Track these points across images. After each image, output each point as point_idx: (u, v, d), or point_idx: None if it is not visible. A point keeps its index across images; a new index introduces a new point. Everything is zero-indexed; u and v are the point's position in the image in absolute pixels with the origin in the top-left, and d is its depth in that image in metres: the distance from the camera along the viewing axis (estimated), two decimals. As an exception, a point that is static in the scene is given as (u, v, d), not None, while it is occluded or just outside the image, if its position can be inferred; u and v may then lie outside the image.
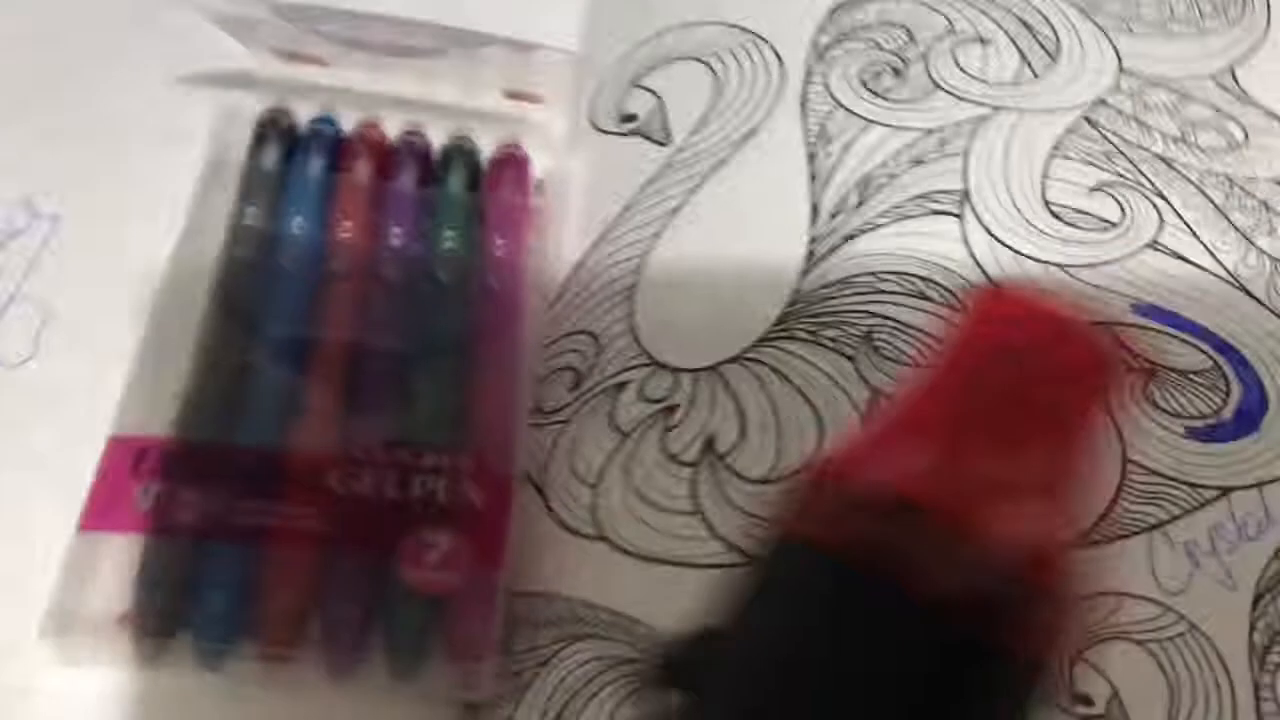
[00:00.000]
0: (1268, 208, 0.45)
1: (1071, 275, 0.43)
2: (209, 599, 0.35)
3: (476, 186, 0.45)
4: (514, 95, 0.46)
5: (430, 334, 0.40)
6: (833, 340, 0.42)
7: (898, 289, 0.43)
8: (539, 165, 0.46)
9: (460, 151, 0.45)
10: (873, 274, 0.44)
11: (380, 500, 0.36)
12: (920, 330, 0.42)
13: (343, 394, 0.39)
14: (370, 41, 0.45)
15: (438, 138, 0.46)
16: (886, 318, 0.42)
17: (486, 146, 0.46)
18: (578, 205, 0.46)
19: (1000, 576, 0.22)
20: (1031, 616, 0.22)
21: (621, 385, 0.41)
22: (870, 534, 0.22)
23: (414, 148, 0.45)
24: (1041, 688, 0.23)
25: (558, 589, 0.37)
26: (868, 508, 0.23)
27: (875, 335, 0.42)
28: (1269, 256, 0.44)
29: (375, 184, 0.43)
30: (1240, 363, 0.41)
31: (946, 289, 0.43)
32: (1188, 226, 0.45)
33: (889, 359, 0.41)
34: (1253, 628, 0.35)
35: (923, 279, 0.43)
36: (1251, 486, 0.38)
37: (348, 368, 0.39)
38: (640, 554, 0.38)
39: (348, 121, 0.46)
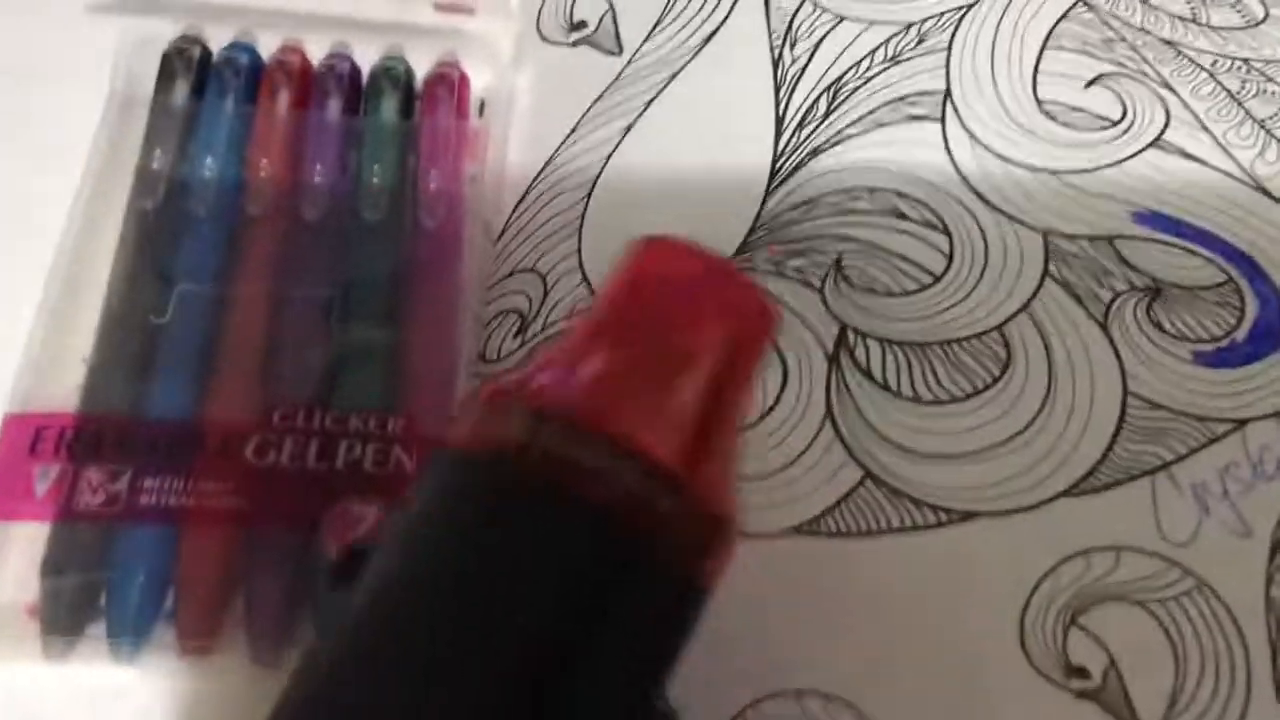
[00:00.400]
0: (1290, 92, 0.41)
1: (1065, 181, 0.39)
2: (121, 587, 0.32)
3: (411, 112, 0.40)
4: (447, 7, 0.42)
5: (357, 280, 0.36)
6: (798, 270, 0.38)
7: (871, 207, 0.39)
8: (480, 83, 0.42)
9: (389, 74, 0.41)
10: (844, 191, 0.39)
11: (302, 471, 0.33)
12: (897, 255, 0.38)
13: (262, 354, 0.35)
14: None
15: (369, 59, 0.41)
16: (859, 240, 0.38)
17: (423, 65, 0.42)
18: (523, 127, 0.42)
19: (651, 486, 0.23)
20: (685, 533, 0.23)
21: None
22: (525, 439, 0.23)
23: (338, 73, 0.40)
24: (697, 612, 0.24)
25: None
26: (527, 416, 0.24)
27: (845, 262, 0.38)
28: (1291, 148, 0.39)
29: (295, 116, 0.39)
30: (1256, 273, 0.37)
31: (926, 205, 0.39)
32: (1198, 120, 0.40)
33: (861, 289, 0.37)
34: (1270, 581, 0.32)
35: (899, 195, 0.39)
36: (1270, 416, 0.34)
37: (267, 323, 0.35)
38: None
39: (268, 45, 0.41)
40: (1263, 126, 0.40)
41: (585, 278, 0.38)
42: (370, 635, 0.23)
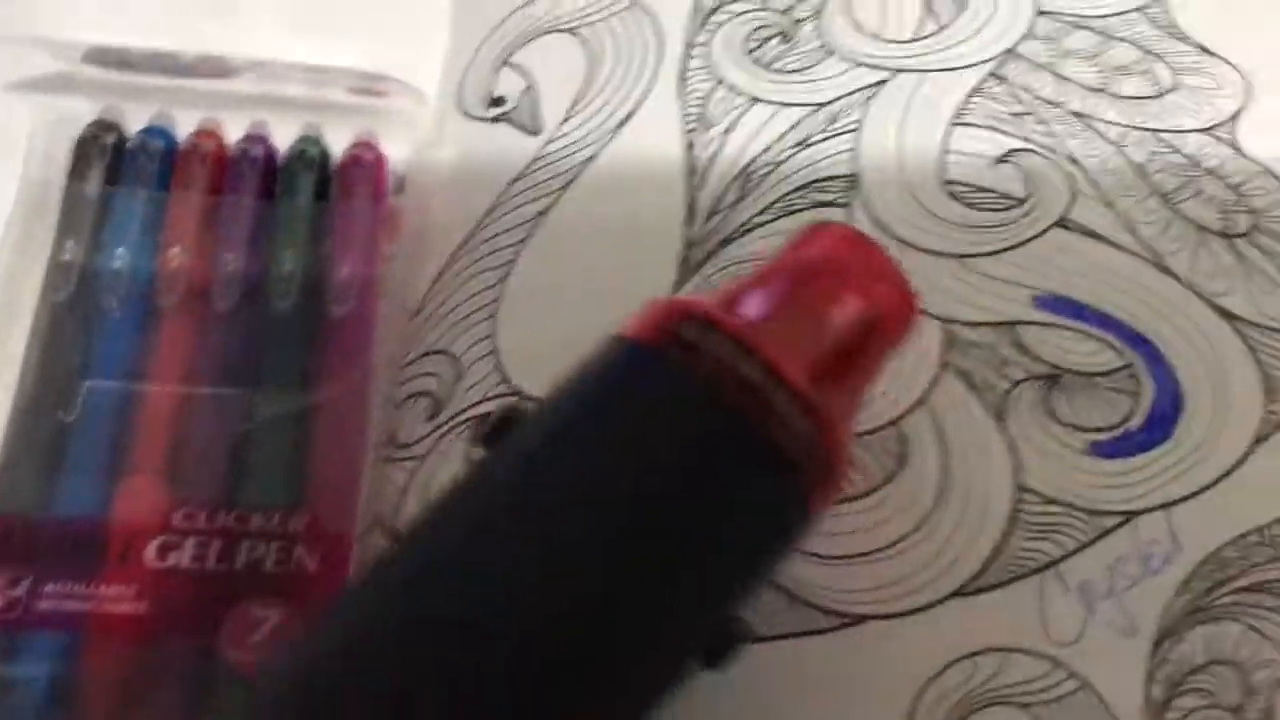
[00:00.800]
0: (1196, 164, 0.41)
1: (969, 266, 0.39)
2: (20, 696, 0.32)
3: (327, 194, 0.40)
4: (361, 91, 0.42)
5: (266, 372, 0.37)
6: None
7: (777, 300, 0.40)
8: (401, 157, 0.42)
9: (304, 157, 0.41)
10: None
11: (202, 573, 0.34)
12: None
13: (169, 451, 0.35)
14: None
15: (290, 138, 0.42)
16: None
17: (343, 142, 0.42)
18: (443, 205, 0.42)
19: (792, 410, 0.26)
20: (812, 461, 0.27)
21: (483, 418, 0.38)
22: (694, 340, 0.27)
23: (252, 157, 0.41)
24: (800, 537, 0.28)
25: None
26: (699, 323, 0.27)
27: None
28: (1194, 224, 0.40)
29: (209, 202, 0.39)
30: (1153, 357, 0.38)
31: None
32: (1102, 196, 0.41)
33: None
34: (1150, 679, 0.32)
35: (804, 286, 0.40)
36: (1158, 508, 0.35)
37: (175, 420, 0.36)
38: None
39: (187, 125, 0.41)
40: (1166, 201, 0.41)
41: (499, 363, 0.39)
42: (523, 485, 0.26)
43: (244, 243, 0.39)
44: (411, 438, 0.38)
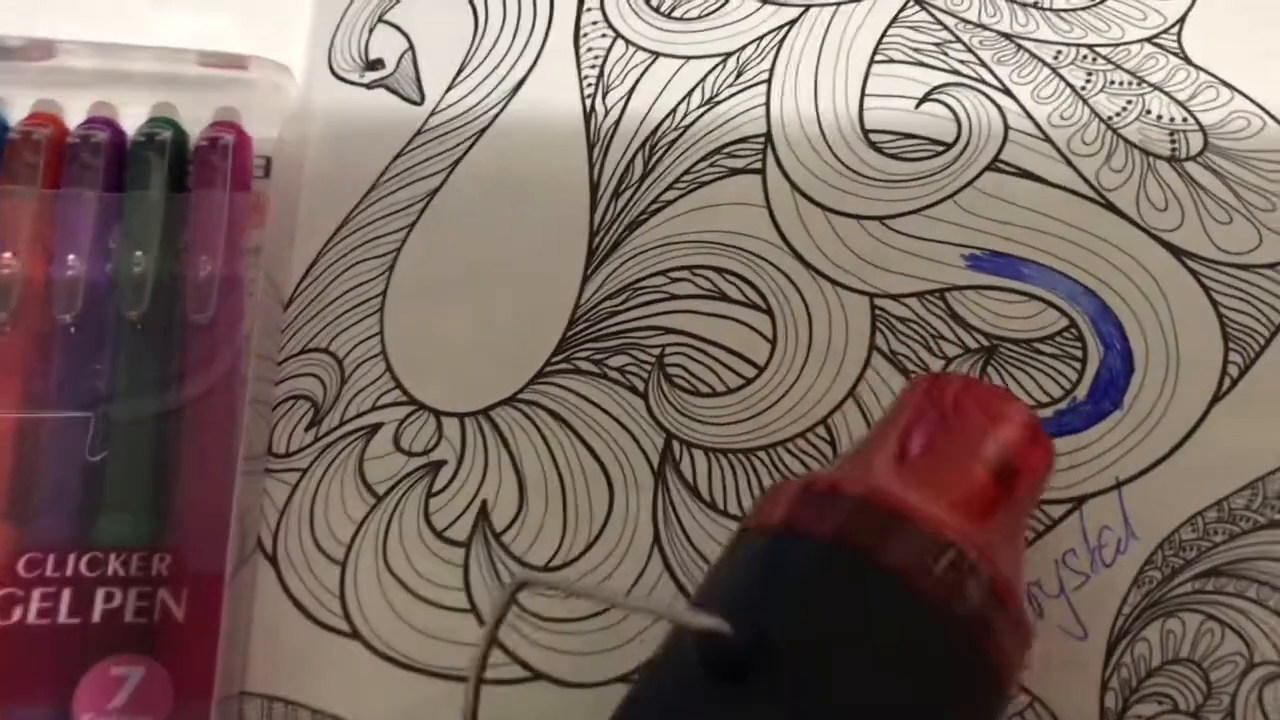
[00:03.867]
0: (1140, 79, 0.38)
1: (894, 229, 0.36)
2: None
3: (184, 183, 0.36)
4: (215, 63, 0.37)
5: (120, 391, 0.33)
6: (621, 372, 0.35)
7: (693, 290, 0.36)
8: (268, 134, 0.38)
9: (154, 142, 0.36)
10: (663, 272, 0.36)
11: (52, 629, 0.30)
12: (719, 346, 0.35)
13: (11, 487, 0.31)
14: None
15: (135, 122, 0.37)
16: (680, 332, 0.35)
17: (202, 122, 0.38)
18: (315, 184, 0.38)
19: (976, 586, 0.25)
20: (1000, 631, 0.25)
21: (373, 428, 0.34)
22: (867, 534, 0.25)
23: (94, 144, 0.36)
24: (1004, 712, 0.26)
25: (300, 697, 0.31)
26: (861, 511, 0.25)
27: (668, 360, 0.35)
28: (1140, 151, 0.37)
29: (45, 198, 0.35)
30: (1100, 313, 0.35)
31: (748, 282, 0.36)
32: (1038, 129, 0.37)
33: (685, 391, 0.34)
34: (1105, 686, 0.30)
35: (720, 272, 0.36)
36: (1109, 490, 0.32)
37: (17, 450, 0.32)
38: (404, 661, 0.31)
39: (22, 108, 0.37)
40: (1109, 126, 0.38)
41: (389, 365, 0.35)
42: None
43: (88, 243, 0.35)
44: (291, 447, 0.34)
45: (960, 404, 0.28)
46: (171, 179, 0.36)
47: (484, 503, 0.33)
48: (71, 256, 0.35)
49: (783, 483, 0.27)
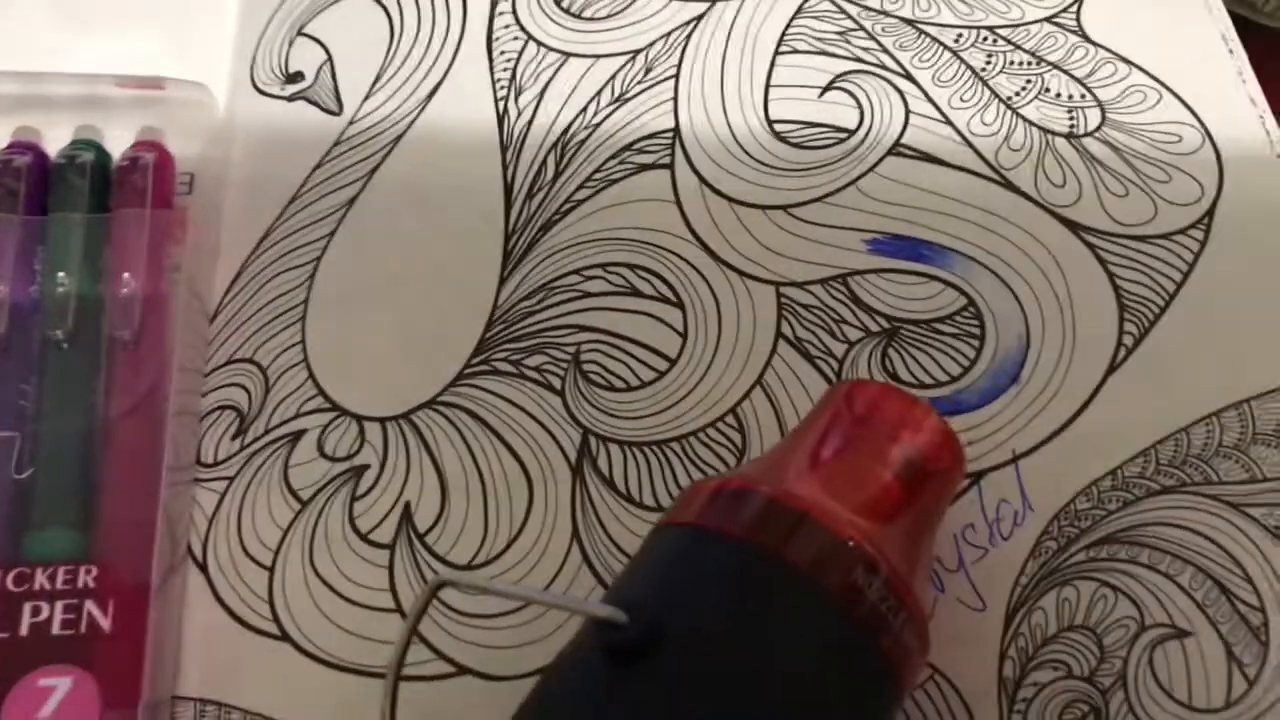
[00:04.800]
0: (1039, 59, 0.39)
1: (797, 217, 0.37)
2: None
3: (107, 203, 0.37)
4: (132, 84, 0.38)
5: (45, 411, 0.34)
6: (538, 371, 0.36)
7: (606, 287, 0.37)
8: (190, 152, 0.38)
9: (75, 163, 0.37)
10: (577, 271, 0.37)
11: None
12: (632, 341, 0.36)
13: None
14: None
15: (59, 145, 0.38)
16: (595, 330, 0.37)
17: (125, 141, 0.38)
18: (238, 196, 0.39)
19: (875, 585, 0.26)
20: (896, 630, 0.26)
21: (296, 435, 0.35)
22: (773, 533, 0.26)
23: (15, 168, 0.37)
24: (898, 707, 0.27)
25: (232, 700, 0.32)
26: (769, 511, 0.26)
27: (584, 357, 0.36)
28: (1038, 129, 0.38)
29: (-34, 222, 0.36)
30: (997, 290, 0.36)
31: (659, 277, 0.37)
32: (939, 112, 0.39)
33: (600, 388, 0.36)
34: (1003, 656, 0.32)
35: (632, 268, 0.37)
36: (1006, 464, 0.34)
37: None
38: (331, 661, 0.33)
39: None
40: (1008, 106, 0.39)
41: (311, 373, 0.36)
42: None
43: (12, 265, 0.35)
44: (218, 456, 0.35)
45: (873, 410, 0.29)
46: (95, 199, 0.37)
47: (407, 504, 0.34)
48: (-6, 278, 0.35)
49: (700, 482, 0.28)
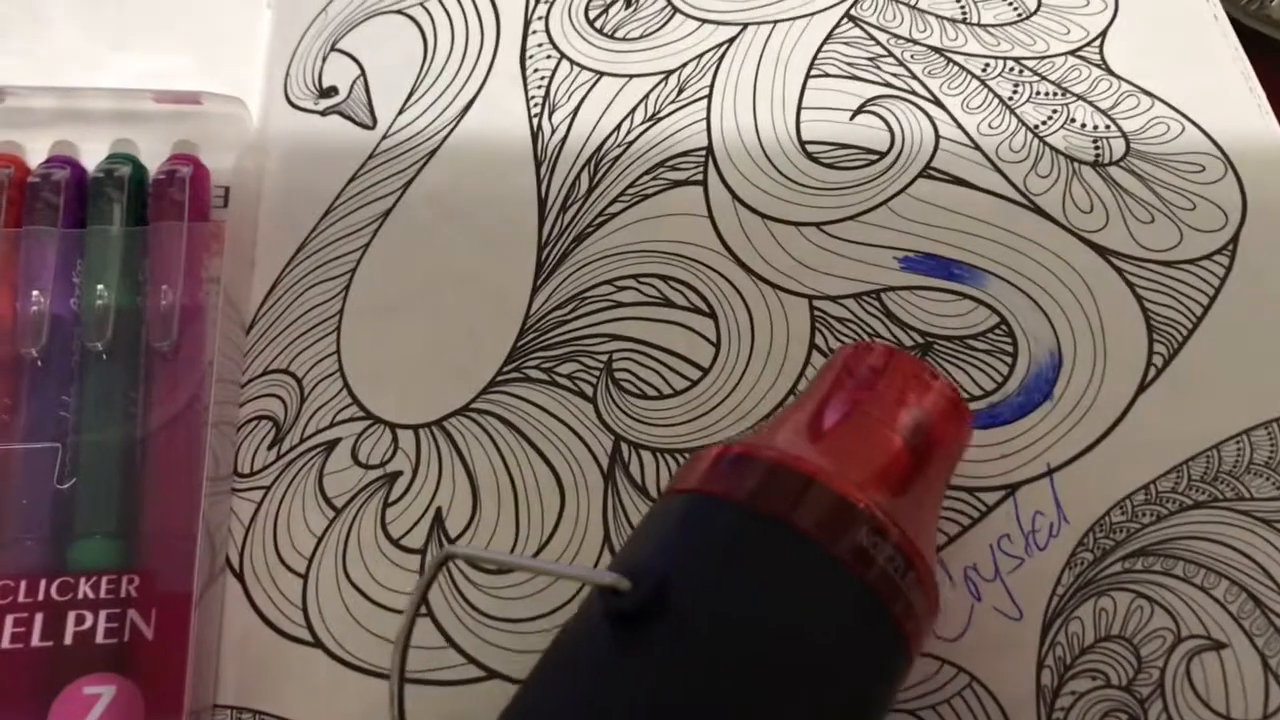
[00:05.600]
0: (1064, 90, 0.40)
1: (831, 234, 0.37)
2: None
3: (144, 216, 0.37)
4: (169, 99, 0.39)
5: (87, 423, 0.34)
6: (570, 378, 0.36)
7: (639, 297, 0.37)
8: (225, 165, 0.39)
9: (112, 176, 0.37)
10: (609, 282, 0.38)
11: (26, 652, 0.31)
12: (665, 350, 0.37)
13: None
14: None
15: (96, 159, 0.39)
16: (627, 339, 0.37)
17: (161, 155, 0.39)
18: (273, 209, 0.39)
19: (885, 549, 0.26)
20: (907, 594, 0.26)
21: (331, 444, 0.35)
22: (778, 498, 0.26)
23: (54, 182, 0.37)
24: (906, 673, 0.27)
25: (267, 707, 0.32)
26: (773, 476, 0.26)
27: (615, 365, 0.36)
28: (1065, 157, 0.38)
29: (8, 236, 0.36)
30: (1029, 310, 0.36)
31: (692, 288, 0.37)
32: (968, 137, 0.39)
33: (633, 395, 0.36)
34: (1041, 665, 0.31)
35: (665, 279, 0.38)
36: (1041, 476, 0.34)
37: (-6, 483, 0.33)
38: (364, 667, 0.32)
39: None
40: (1035, 135, 0.39)
41: (346, 382, 0.36)
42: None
43: (52, 278, 0.36)
44: (254, 466, 0.35)
45: (879, 374, 0.29)
46: (132, 212, 0.38)
47: (439, 510, 0.34)
48: (36, 292, 0.36)
49: (703, 449, 0.28)
